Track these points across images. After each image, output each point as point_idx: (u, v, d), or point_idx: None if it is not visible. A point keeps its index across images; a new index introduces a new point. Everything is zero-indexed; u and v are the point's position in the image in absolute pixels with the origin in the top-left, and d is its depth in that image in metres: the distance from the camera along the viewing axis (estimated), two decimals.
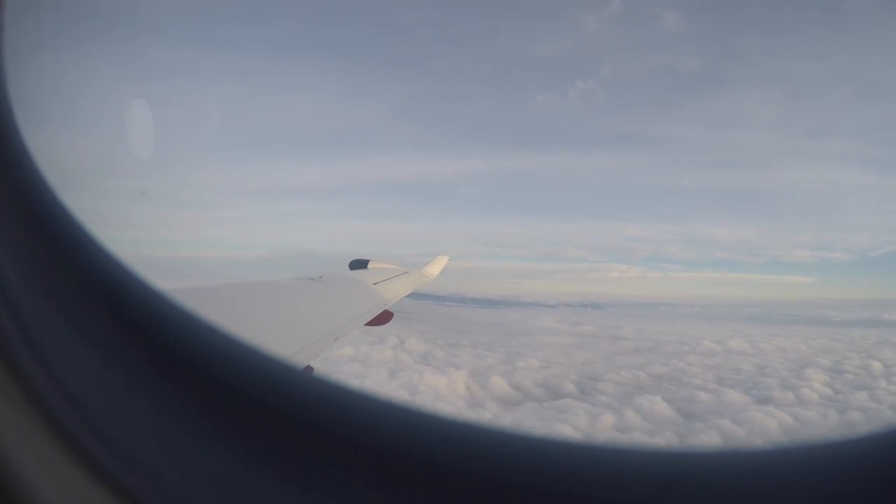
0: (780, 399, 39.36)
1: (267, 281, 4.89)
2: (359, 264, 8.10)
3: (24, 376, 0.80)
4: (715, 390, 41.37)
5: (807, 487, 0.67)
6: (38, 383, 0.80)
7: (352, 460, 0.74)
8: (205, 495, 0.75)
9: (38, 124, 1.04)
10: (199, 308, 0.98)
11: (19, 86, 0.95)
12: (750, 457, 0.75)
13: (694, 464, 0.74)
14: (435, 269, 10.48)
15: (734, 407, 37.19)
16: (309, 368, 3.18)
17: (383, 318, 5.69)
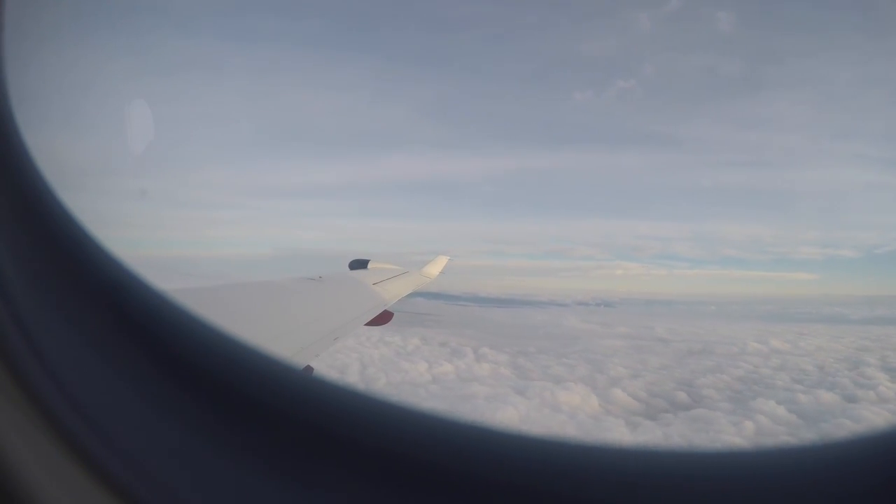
0: (864, 397, 39.59)
1: (266, 281, 4.89)
2: (359, 264, 8.10)
3: (24, 376, 0.80)
4: (804, 391, 41.46)
5: (807, 488, 0.67)
6: (38, 383, 0.80)
7: (351, 460, 0.74)
8: (205, 495, 0.74)
9: (38, 124, 1.04)
10: (198, 308, 0.98)
11: (19, 85, 0.95)
12: (750, 458, 0.74)
13: (695, 465, 0.74)
14: (435, 269, 10.48)
15: (834, 407, 37.35)
16: (309, 368, 3.18)
17: (383, 318, 5.69)
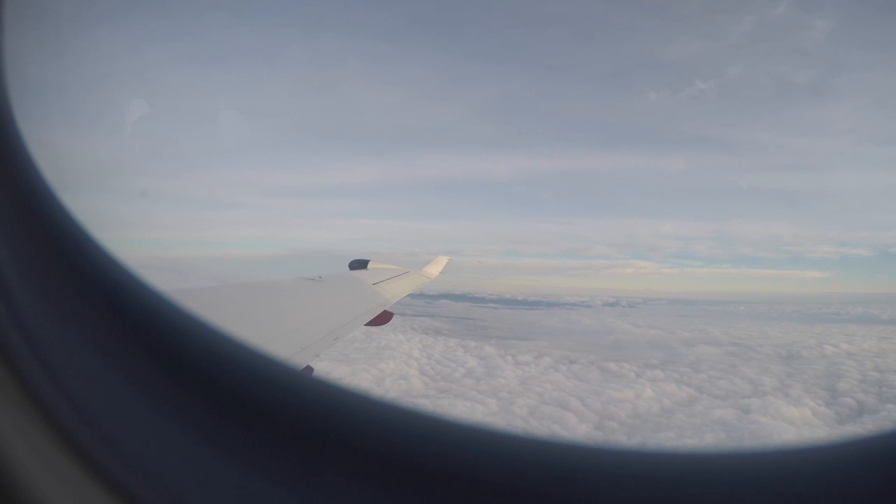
0: None
1: (266, 281, 4.89)
2: (359, 264, 8.09)
3: (24, 376, 0.80)
4: None
5: (807, 489, 0.67)
6: (38, 383, 0.80)
7: (351, 461, 0.74)
8: (204, 495, 0.74)
9: (38, 124, 1.04)
10: (198, 308, 0.98)
11: (19, 85, 0.95)
12: (750, 458, 0.74)
13: (694, 466, 0.74)
14: (435, 269, 10.48)
15: None
16: (309, 369, 3.17)
17: (383, 318, 5.69)
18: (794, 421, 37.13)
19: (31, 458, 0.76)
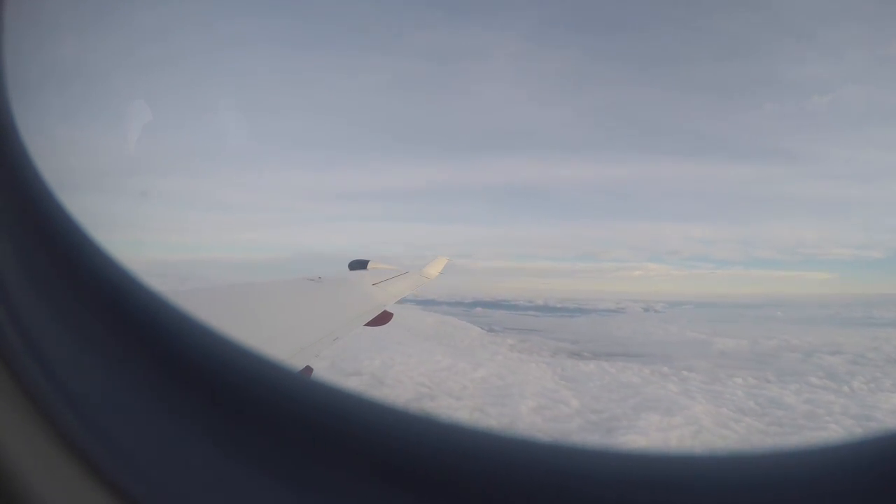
0: None
1: (266, 282, 4.89)
2: (358, 265, 8.09)
3: (24, 376, 0.80)
4: None
5: (807, 490, 0.67)
6: (38, 383, 0.80)
7: (349, 462, 0.74)
8: (204, 495, 0.75)
9: (38, 124, 1.04)
10: (197, 309, 0.98)
11: (19, 85, 0.95)
12: (750, 460, 0.74)
13: (694, 468, 0.74)
14: (434, 269, 10.49)
15: None
16: (308, 369, 3.17)
17: (383, 318, 5.69)
18: None
19: (30, 458, 0.76)
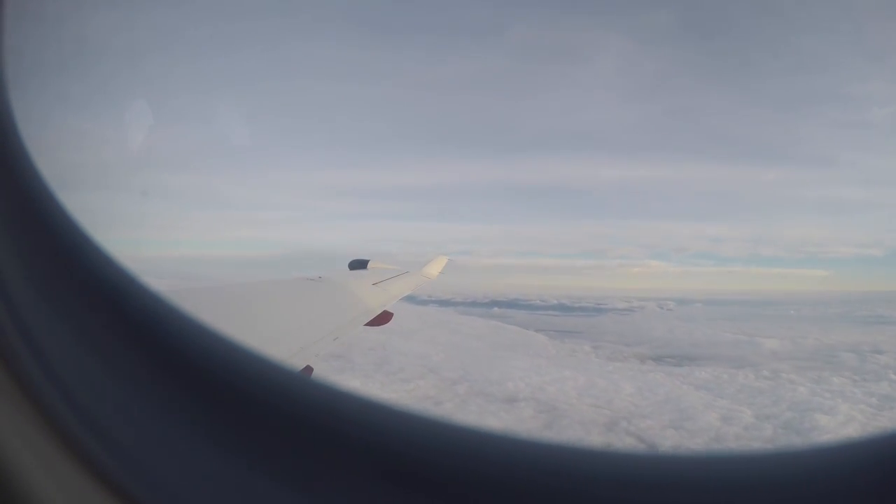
0: None
1: (265, 281, 4.89)
2: (358, 264, 8.09)
3: (23, 376, 0.80)
4: None
5: (807, 491, 0.67)
6: (38, 383, 0.80)
7: (349, 462, 0.74)
8: (204, 495, 0.75)
9: (38, 124, 1.04)
10: (196, 309, 0.98)
11: (19, 85, 0.95)
12: (750, 461, 0.75)
13: (694, 469, 0.74)
14: (434, 269, 10.48)
15: None
16: (308, 369, 3.17)
17: (383, 318, 5.69)
18: None
19: (31, 458, 0.76)
